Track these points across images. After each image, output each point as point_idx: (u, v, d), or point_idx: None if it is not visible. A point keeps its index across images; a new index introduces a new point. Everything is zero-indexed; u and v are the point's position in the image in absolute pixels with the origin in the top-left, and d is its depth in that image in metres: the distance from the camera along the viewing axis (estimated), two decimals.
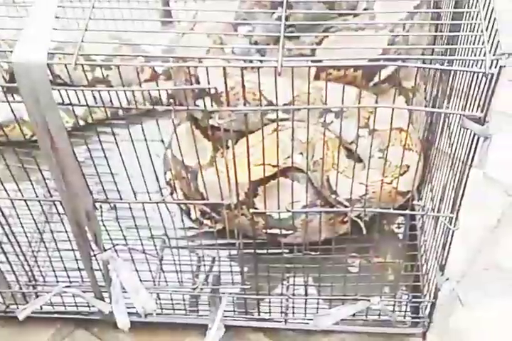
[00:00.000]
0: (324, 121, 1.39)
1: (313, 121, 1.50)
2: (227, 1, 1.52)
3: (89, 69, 1.74)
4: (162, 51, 1.78)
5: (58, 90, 1.08)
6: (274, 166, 1.41)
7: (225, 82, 1.08)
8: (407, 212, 1.34)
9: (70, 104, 1.11)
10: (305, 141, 1.42)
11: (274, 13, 1.58)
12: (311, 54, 1.53)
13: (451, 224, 1.26)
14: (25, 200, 1.32)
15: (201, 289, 1.49)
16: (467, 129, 1.14)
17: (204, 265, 1.49)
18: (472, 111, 1.11)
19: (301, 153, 1.50)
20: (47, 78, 1.04)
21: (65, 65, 1.05)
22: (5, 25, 1.21)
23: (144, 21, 1.59)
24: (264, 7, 1.57)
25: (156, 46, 1.77)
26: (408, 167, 1.47)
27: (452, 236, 1.28)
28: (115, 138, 1.21)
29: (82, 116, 1.81)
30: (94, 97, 1.18)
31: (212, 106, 1.43)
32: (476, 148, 1.14)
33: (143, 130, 1.18)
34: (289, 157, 1.43)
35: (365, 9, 1.62)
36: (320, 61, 1.14)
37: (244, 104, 1.15)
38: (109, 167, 1.24)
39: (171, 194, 1.73)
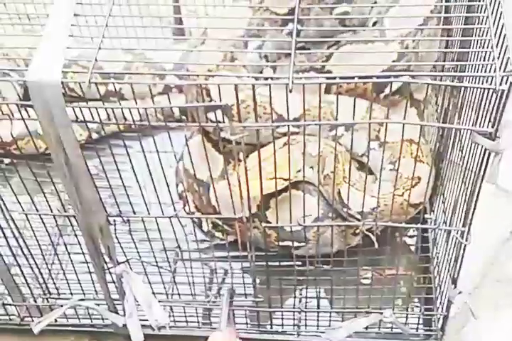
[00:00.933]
0: (335, 134, 1.39)
1: (324, 134, 1.51)
2: (237, 19, 1.53)
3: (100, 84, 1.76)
4: (174, 66, 1.80)
5: (72, 107, 1.10)
6: (285, 180, 1.42)
7: (237, 99, 1.09)
8: (419, 225, 1.34)
9: (84, 120, 1.13)
10: (315, 154, 1.43)
11: (283, 29, 1.60)
12: (322, 67, 1.54)
13: (462, 238, 1.26)
14: (39, 215, 1.33)
15: (214, 302, 1.50)
16: (477, 144, 1.15)
17: (217, 277, 1.50)
18: (483, 126, 1.12)
19: (312, 167, 1.51)
20: (61, 96, 1.05)
21: (79, 83, 1.06)
22: (19, 42, 1.24)
23: (156, 38, 1.61)
24: (275, 23, 1.58)
25: (168, 61, 1.79)
26: (420, 179, 1.47)
27: (464, 249, 1.28)
28: (127, 150, 1.21)
29: (95, 129, 1.83)
30: (107, 111, 1.20)
31: (223, 119, 1.44)
32: (487, 162, 1.14)
33: (155, 143, 1.19)
34: (299, 171, 1.44)
35: (374, 23, 1.64)
36: (331, 77, 1.14)
37: (256, 120, 1.16)
38: (121, 180, 1.25)
39: (184, 206, 1.74)
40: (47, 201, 1.30)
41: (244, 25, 1.55)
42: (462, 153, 1.36)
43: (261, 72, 1.65)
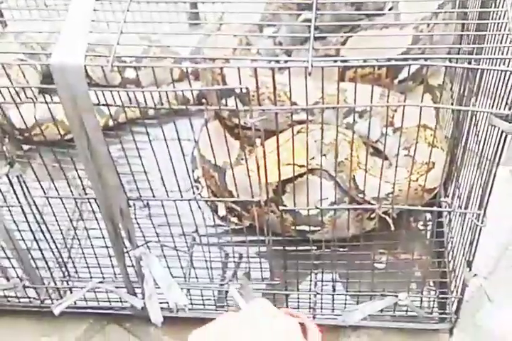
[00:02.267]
0: (354, 120, 1.40)
1: (338, 122, 1.52)
2: (253, 3, 1.54)
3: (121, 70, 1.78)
4: (190, 52, 1.82)
5: (95, 91, 1.11)
6: (300, 166, 1.43)
7: (257, 83, 1.11)
8: (435, 209, 1.36)
9: (106, 104, 1.14)
10: (328, 142, 1.44)
11: (299, 15, 1.60)
12: (336, 54, 1.55)
13: (478, 220, 1.28)
14: (60, 198, 1.35)
15: (229, 284, 1.51)
16: (495, 127, 1.16)
17: (234, 261, 1.52)
18: (500, 109, 1.13)
19: (325, 155, 1.52)
20: (84, 80, 1.07)
21: (102, 67, 1.07)
22: (38, 28, 1.25)
23: (171, 23, 1.62)
24: (290, 10, 1.59)
25: (185, 47, 1.80)
26: (434, 164, 1.48)
27: (480, 232, 1.29)
28: (149, 137, 1.23)
29: (112, 115, 1.85)
30: (128, 97, 1.21)
31: (236, 105, 1.45)
32: (503, 145, 1.15)
33: (176, 128, 1.20)
34: (313, 158, 1.45)
35: (390, 9, 1.64)
36: (350, 60, 1.16)
37: (275, 103, 1.17)
38: (142, 166, 1.26)
39: (200, 192, 1.75)
40: (68, 185, 1.32)
41: (260, 10, 1.57)
42: (478, 137, 1.37)
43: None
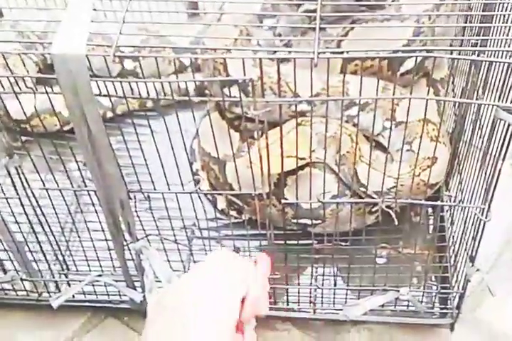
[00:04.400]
0: (358, 113, 1.39)
1: (338, 115, 1.51)
2: None
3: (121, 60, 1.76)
4: (190, 42, 1.80)
5: (96, 82, 1.10)
6: (301, 159, 1.42)
7: (261, 74, 1.09)
8: (439, 203, 1.35)
9: (108, 94, 1.13)
10: (329, 135, 1.43)
11: (299, 6, 1.59)
12: (338, 46, 1.54)
13: (482, 215, 1.27)
14: (60, 190, 1.34)
15: None
16: (500, 121, 1.15)
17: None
18: (506, 102, 1.12)
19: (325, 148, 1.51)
20: (86, 69, 1.05)
21: (104, 57, 1.06)
22: (34, 17, 1.23)
23: (170, 13, 1.60)
24: (291, 0, 1.57)
25: (184, 38, 1.78)
26: (436, 159, 1.47)
27: (484, 227, 1.29)
28: (151, 128, 1.22)
29: (110, 107, 1.83)
30: (130, 88, 1.19)
31: (240, 95, 1.44)
32: (510, 139, 1.14)
33: (178, 120, 1.19)
34: (314, 151, 1.44)
35: (392, 1, 1.63)
36: (355, 51, 1.14)
37: (279, 95, 1.15)
38: (144, 158, 1.25)
39: (198, 184, 1.74)
40: (68, 177, 1.31)
41: (260, 1, 1.55)
42: (482, 132, 1.36)
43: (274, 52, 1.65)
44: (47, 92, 1.14)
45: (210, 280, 1.05)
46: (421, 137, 1.33)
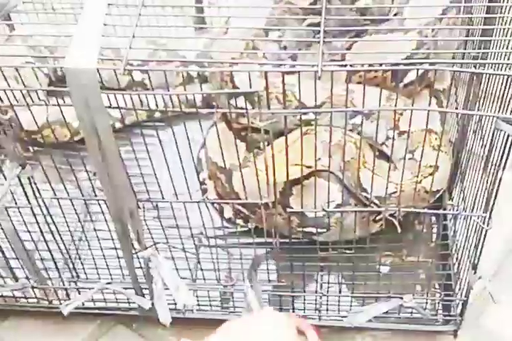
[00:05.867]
0: (362, 122, 1.42)
1: (343, 123, 1.54)
2: (259, 9, 1.56)
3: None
4: (197, 55, 1.83)
5: (107, 94, 1.13)
6: (307, 167, 1.45)
7: (267, 86, 1.12)
8: (441, 211, 1.37)
9: (118, 107, 1.16)
10: (333, 143, 1.46)
11: (304, 19, 1.62)
12: (342, 58, 1.57)
13: (484, 223, 1.29)
14: (70, 200, 1.37)
15: (233, 286, 1.53)
16: (501, 131, 1.17)
17: (241, 263, 1.53)
18: (506, 113, 1.15)
19: (330, 156, 1.54)
20: (97, 82, 1.08)
21: (114, 71, 1.09)
22: (45, 32, 1.27)
23: (178, 27, 1.64)
24: (296, 14, 1.60)
25: (191, 51, 1.82)
26: (438, 167, 1.50)
27: (485, 235, 1.31)
28: (159, 139, 1.25)
29: (119, 118, 1.86)
30: (139, 100, 1.23)
31: (246, 105, 1.47)
32: (510, 149, 1.17)
33: (186, 130, 1.22)
34: (319, 159, 1.47)
35: (395, 14, 1.66)
36: (357, 64, 1.17)
37: (285, 106, 1.18)
38: (152, 168, 1.28)
39: (206, 194, 1.77)
40: (78, 186, 1.34)
41: (265, 15, 1.59)
42: (483, 141, 1.39)
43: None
44: (59, 105, 1.17)
45: None
46: (423, 146, 1.35)
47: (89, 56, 1.08)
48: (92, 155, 1.20)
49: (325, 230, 1.56)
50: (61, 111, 1.19)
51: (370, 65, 1.14)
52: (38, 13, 1.74)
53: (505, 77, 1.17)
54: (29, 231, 1.44)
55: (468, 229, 1.43)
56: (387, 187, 1.32)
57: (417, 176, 1.46)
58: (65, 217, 1.41)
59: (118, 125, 1.84)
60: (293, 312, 1.57)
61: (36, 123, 1.26)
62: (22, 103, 1.23)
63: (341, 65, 1.20)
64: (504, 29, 1.18)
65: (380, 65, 1.18)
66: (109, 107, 1.15)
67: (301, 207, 1.37)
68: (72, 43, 1.09)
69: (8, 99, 1.19)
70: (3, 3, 1.19)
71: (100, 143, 1.17)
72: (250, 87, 1.14)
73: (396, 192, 1.41)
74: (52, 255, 1.48)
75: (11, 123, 1.20)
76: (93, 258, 1.52)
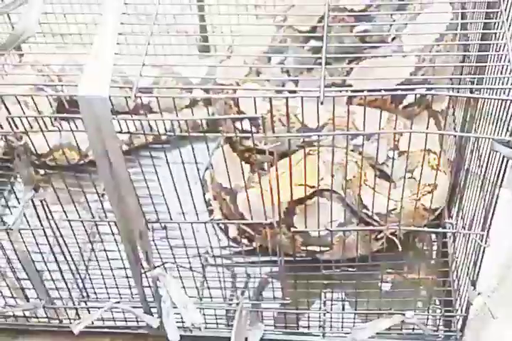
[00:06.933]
0: (363, 143, 1.46)
1: (345, 144, 1.59)
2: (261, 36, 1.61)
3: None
4: (201, 80, 1.88)
5: (118, 120, 1.18)
6: (311, 187, 1.49)
7: (271, 111, 1.17)
8: (441, 230, 1.41)
9: (129, 132, 1.21)
10: (336, 163, 1.50)
11: (304, 46, 1.67)
12: (343, 82, 1.62)
13: (482, 241, 1.33)
14: (82, 221, 1.41)
15: (237, 304, 1.57)
16: (496, 152, 1.22)
17: (247, 282, 1.56)
18: (501, 135, 1.19)
19: (333, 175, 1.58)
20: (109, 109, 1.13)
21: (125, 98, 1.14)
22: (53, 58, 1.29)
23: (182, 53, 1.68)
24: (297, 40, 1.65)
25: (196, 74, 1.87)
26: (436, 186, 1.54)
27: (484, 252, 1.35)
28: (167, 161, 1.29)
29: (126, 141, 1.90)
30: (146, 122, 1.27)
31: (251, 128, 1.52)
32: (505, 169, 1.21)
33: (194, 151, 1.26)
34: (322, 179, 1.51)
35: (393, 39, 1.71)
36: (358, 90, 1.22)
37: (288, 130, 1.23)
38: (161, 189, 1.32)
39: (212, 214, 1.81)
40: (89, 208, 1.38)
41: (268, 41, 1.64)
42: (480, 161, 1.43)
43: (283, 86, 1.73)
44: (72, 130, 1.22)
45: None
46: (422, 166, 1.40)
47: (101, 84, 1.12)
48: (103, 178, 1.24)
49: (328, 249, 1.60)
50: (74, 136, 1.24)
51: (369, 91, 1.18)
52: (48, 43, 1.80)
53: (500, 100, 1.21)
54: (41, 253, 1.47)
55: (467, 247, 1.47)
56: (387, 204, 1.36)
57: (417, 194, 1.51)
58: (75, 237, 1.45)
59: (125, 147, 1.89)
60: (297, 329, 1.61)
61: (49, 145, 1.30)
62: (36, 129, 1.27)
63: (341, 91, 1.25)
64: (498, 55, 1.23)
65: (380, 90, 1.23)
66: (120, 132, 1.20)
67: (305, 227, 1.42)
68: (84, 72, 1.14)
69: (23, 125, 1.24)
70: (17, 35, 1.23)
71: (111, 165, 1.22)
72: (256, 112, 1.18)
73: (396, 209, 1.45)
74: (62, 275, 1.52)
75: (25, 149, 1.24)
76: (102, 278, 1.55)
